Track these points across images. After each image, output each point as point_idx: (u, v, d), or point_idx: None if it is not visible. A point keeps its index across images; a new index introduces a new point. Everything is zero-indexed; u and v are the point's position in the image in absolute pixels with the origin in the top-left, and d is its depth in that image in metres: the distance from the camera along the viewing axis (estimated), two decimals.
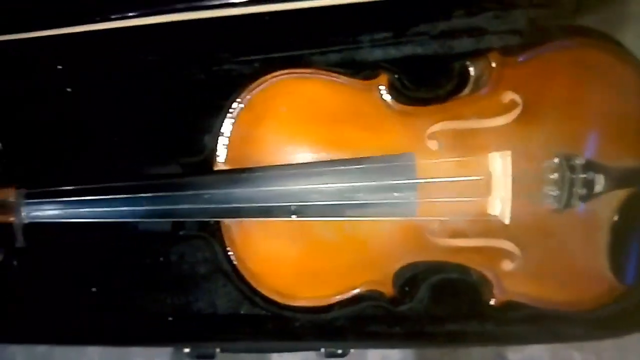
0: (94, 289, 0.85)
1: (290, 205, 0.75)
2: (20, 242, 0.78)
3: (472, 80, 0.83)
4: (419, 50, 0.86)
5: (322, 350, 0.81)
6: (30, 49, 0.80)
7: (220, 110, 0.79)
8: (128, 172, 0.83)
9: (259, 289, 0.79)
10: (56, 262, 0.87)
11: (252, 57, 0.84)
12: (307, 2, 0.82)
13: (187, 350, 0.80)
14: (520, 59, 0.81)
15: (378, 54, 0.86)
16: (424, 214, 0.76)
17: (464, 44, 0.86)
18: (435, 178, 0.76)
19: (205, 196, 0.74)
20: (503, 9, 0.85)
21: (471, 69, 0.83)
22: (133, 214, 0.75)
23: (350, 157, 0.77)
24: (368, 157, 0.76)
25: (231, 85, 0.80)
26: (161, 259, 0.85)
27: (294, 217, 0.75)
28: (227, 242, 0.78)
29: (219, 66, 0.85)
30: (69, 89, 0.85)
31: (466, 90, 0.82)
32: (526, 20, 0.85)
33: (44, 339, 0.87)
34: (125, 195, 0.74)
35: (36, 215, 0.75)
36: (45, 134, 0.88)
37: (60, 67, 0.82)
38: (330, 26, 0.84)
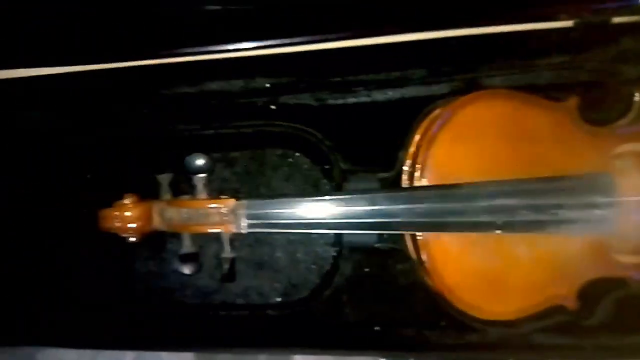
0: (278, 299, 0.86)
1: (497, 221, 0.77)
2: (228, 251, 0.78)
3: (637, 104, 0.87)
4: (591, 74, 0.90)
5: None
6: (240, 66, 0.83)
7: (416, 127, 0.82)
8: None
9: (453, 301, 0.80)
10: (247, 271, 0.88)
11: (441, 79, 0.87)
12: (489, 27, 0.87)
13: None
14: None
15: (552, 76, 0.90)
16: (620, 231, 0.80)
17: (630, 70, 0.90)
18: (635, 196, 0.79)
19: (418, 210, 0.76)
20: None
21: (636, 95, 0.88)
22: (346, 226, 0.76)
23: (546, 175, 0.80)
24: (571, 176, 0.79)
25: (423, 104, 0.84)
26: (366, 269, 0.86)
27: (497, 232, 0.78)
28: (424, 255, 0.80)
29: (412, 85, 0.88)
30: (273, 107, 0.88)
31: (634, 114, 0.87)
32: None
33: (219, 345, 0.91)
34: (345, 209, 0.75)
35: (255, 224, 0.76)
36: (249, 147, 0.90)
37: (268, 85, 0.84)
38: (509, 50, 0.88)
